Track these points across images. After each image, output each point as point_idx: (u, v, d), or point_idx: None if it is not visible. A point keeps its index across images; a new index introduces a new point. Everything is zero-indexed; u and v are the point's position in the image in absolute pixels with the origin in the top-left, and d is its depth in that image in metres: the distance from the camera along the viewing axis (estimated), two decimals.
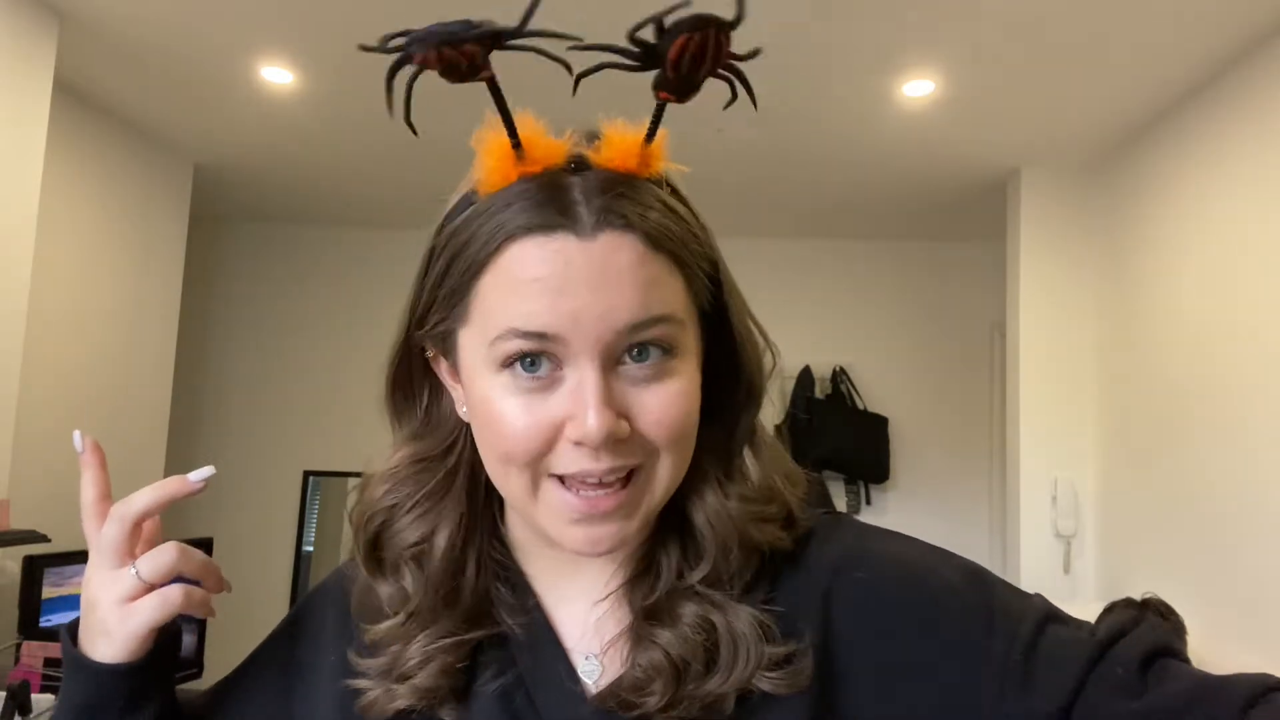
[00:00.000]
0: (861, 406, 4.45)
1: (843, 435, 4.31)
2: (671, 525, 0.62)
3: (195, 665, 3.44)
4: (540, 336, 0.53)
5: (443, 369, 0.63)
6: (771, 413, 4.54)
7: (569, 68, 0.53)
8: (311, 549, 4.61)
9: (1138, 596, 2.33)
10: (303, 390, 4.66)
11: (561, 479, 0.56)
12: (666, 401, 0.56)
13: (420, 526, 0.63)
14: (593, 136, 0.57)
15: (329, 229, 4.73)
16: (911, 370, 4.56)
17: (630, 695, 0.58)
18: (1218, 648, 2.45)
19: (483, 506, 0.65)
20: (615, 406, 0.54)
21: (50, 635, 2.48)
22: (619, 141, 0.57)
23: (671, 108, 0.54)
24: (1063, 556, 3.34)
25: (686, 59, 0.51)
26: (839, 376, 4.46)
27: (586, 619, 0.64)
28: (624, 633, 0.62)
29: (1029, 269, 3.46)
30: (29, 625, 2.65)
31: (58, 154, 2.88)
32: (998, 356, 4.27)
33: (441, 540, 0.63)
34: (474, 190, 0.57)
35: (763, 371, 0.63)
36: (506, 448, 0.56)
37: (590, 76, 0.53)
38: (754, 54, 0.53)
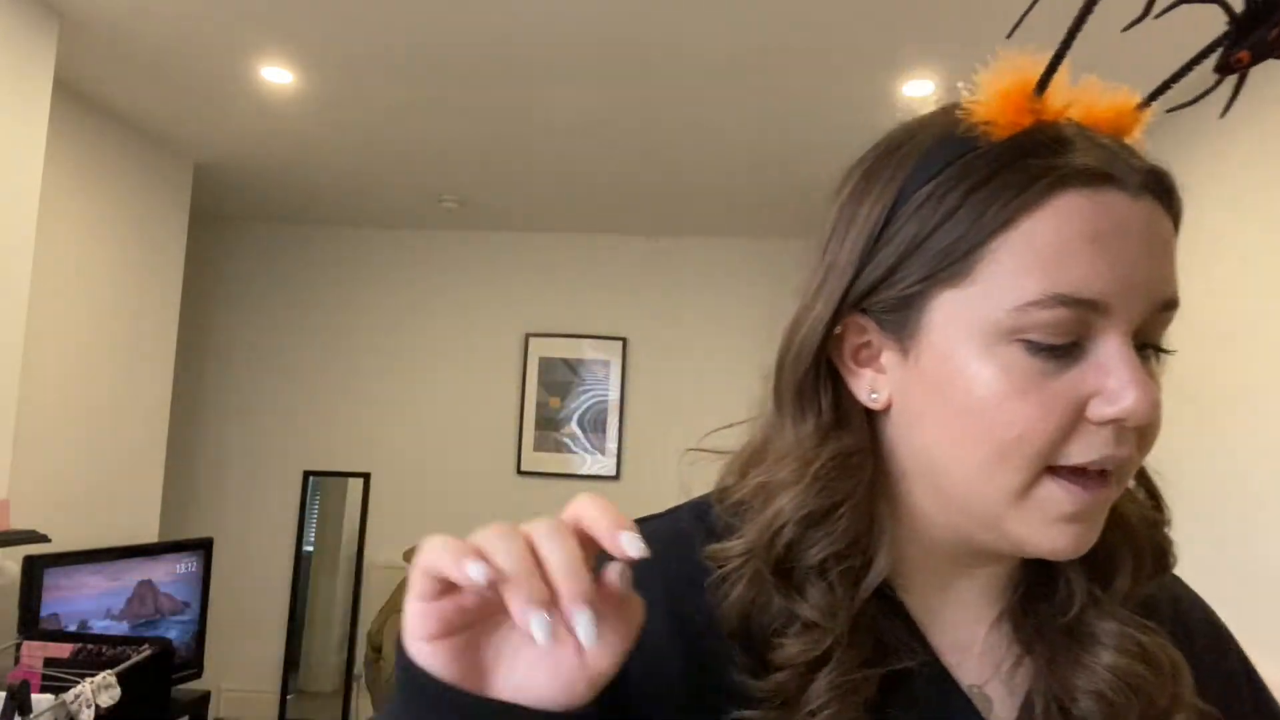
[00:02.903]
0: None
1: None
2: None
3: (195, 665, 3.44)
4: (1090, 305, 0.47)
5: (846, 351, 0.54)
6: None
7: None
8: (311, 549, 4.61)
9: None
10: (303, 390, 4.66)
11: (1057, 471, 0.49)
12: (1159, 400, 0.49)
13: (840, 540, 0.52)
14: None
15: (329, 229, 4.73)
16: None
17: None
18: None
19: None
20: None
21: (50, 635, 2.48)
22: (1109, 103, 0.52)
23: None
24: None
25: None
26: None
27: (968, 644, 0.56)
28: (1018, 660, 0.55)
29: None
30: (29, 625, 2.65)
31: (58, 154, 2.88)
32: None
33: (865, 556, 0.53)
34: (964, 136, 0.50)
35: None
36: (1017, 433, 0.47)
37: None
38: None
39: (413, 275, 4.70)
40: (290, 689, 4.45)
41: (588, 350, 4.62)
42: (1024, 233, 0.47)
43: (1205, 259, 2.74)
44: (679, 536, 0.57)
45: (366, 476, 4.58)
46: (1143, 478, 0.57)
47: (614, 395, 4.60)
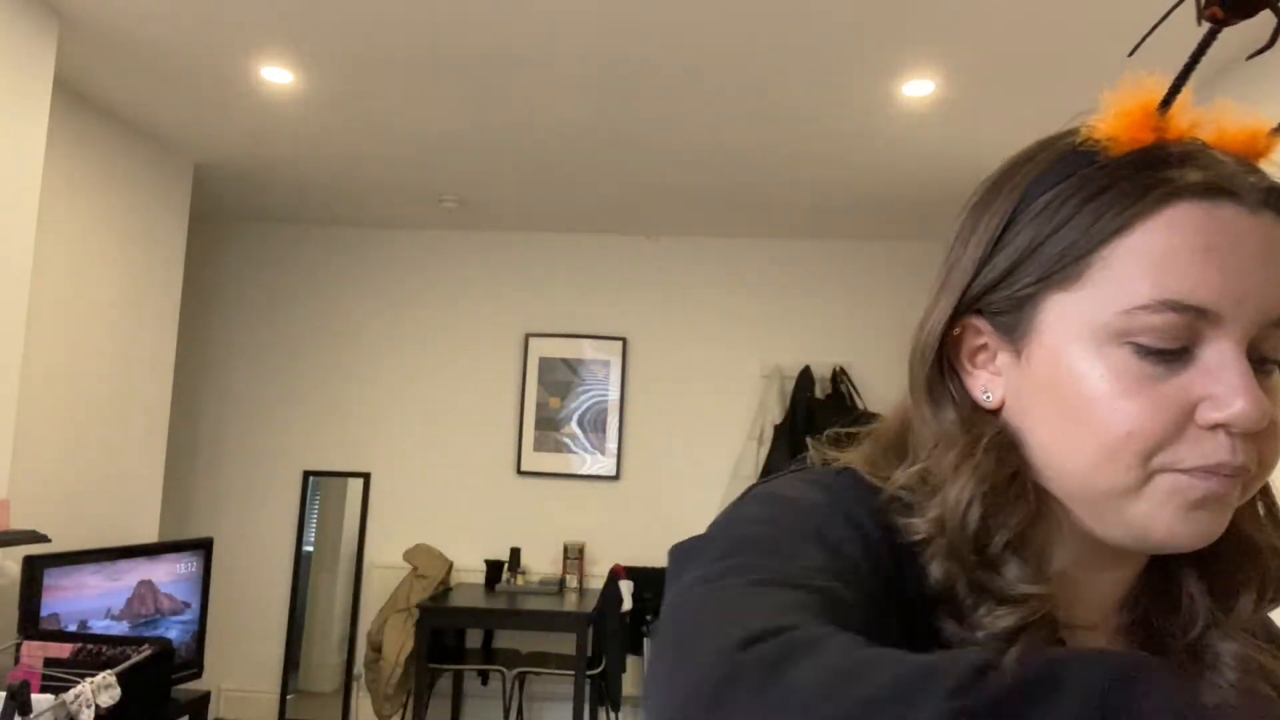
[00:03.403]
0: (861, 406, 4.45)
1: None
2: (1191, 554, 0.55)
3: (195, 665, 3.44)
4: (1198, 312, 0.48)
5: (963, 352, 0.57)
6: (773, 414, 4.54)
7: None
8: (312, 549, 4.61)
9: None
10: (303, 390, 4.67)
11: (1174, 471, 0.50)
12: (1269, 409, 0.49)
13: (1022, 516, 0.53)
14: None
15: (329, 229, 4.73)
16: None
17: None
18: None
19: None
20: None
21: (50, 635, 2.49)
22: (1242, 125, 0.53)
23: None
24: None
25: None
26: (839, 376, 4.46)
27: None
28: None
29: None
30: (29, 625, 2.65)
31: (58, 154, 2.88)
32: None
33: (1046, 533, 0.54)
34: (1086, 150, 0.52)
35: None
36: (1125, 431, 0.49)
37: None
38: None
39: (412, 276, 4.70)
40: (290, 689, 4.45)
41: (588, 350, 4.62)
42: (1136, 240, 0.49)
43: None
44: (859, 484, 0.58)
45: (366, 476, 4.58)
46: (1270, 505, 0.57)
47: (614, 395, 4.60)
